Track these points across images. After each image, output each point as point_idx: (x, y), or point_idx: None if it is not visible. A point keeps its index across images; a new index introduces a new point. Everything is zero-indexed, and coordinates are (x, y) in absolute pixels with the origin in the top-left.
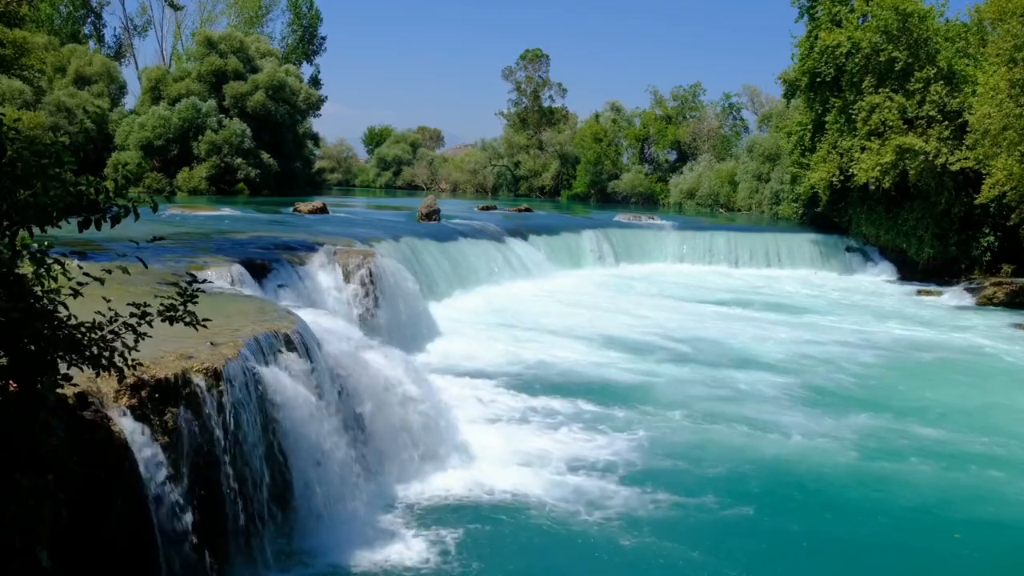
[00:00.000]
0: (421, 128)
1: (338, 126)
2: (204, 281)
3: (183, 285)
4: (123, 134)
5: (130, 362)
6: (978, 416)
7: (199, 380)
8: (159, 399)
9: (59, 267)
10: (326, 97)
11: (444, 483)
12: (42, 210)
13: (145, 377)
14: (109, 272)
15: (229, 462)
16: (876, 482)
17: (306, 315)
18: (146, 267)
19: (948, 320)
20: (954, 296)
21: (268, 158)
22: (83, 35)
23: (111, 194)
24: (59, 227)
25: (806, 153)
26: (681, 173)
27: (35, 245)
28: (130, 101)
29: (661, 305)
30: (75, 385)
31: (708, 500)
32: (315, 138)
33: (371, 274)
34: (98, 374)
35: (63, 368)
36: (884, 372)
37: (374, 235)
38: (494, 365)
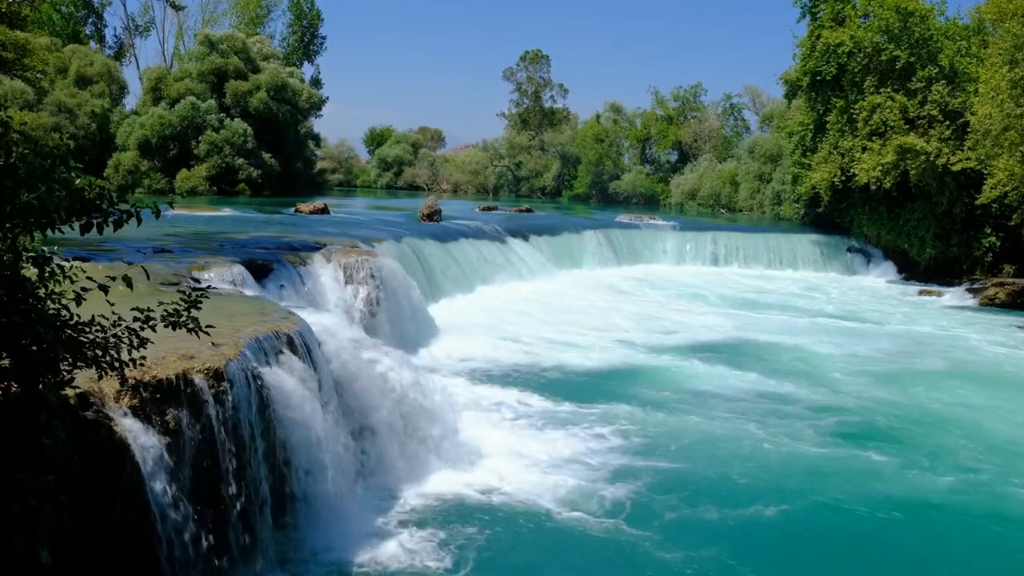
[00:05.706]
0: (422, 128)
1: (339, 126)
2: (208, 287)
3: (187, 290)
4: (124, 134)
5: (132, 366)
6: (978, 418)
7: (200, 380)
8: (160, 399)
9: (61, 271)
10: (327, 97)
11: (444, 483)
12: (45, 213)
13: (146, 378)
14: (113, 279)
15: (230, 462)
16: (880, 485)
17: (307, 315)
18: (148, 278)
19: (949, 321)
20: (955, 296)
21: (269, 158)
22: (84, 35)
23: (115, 199)
24: (61, 232)
25: (807, 153)
26: (682, 174)
27: (43, 248)
28: (131, 101)
29: (660, 305)
30: (76, 386)
31: (709, 500)
32: (316, 138)
33: (372, 274)
34: (100, 376)
35: (65, 370)
36: (884, 373)
37: (375, 235)
38: (495, 365)
